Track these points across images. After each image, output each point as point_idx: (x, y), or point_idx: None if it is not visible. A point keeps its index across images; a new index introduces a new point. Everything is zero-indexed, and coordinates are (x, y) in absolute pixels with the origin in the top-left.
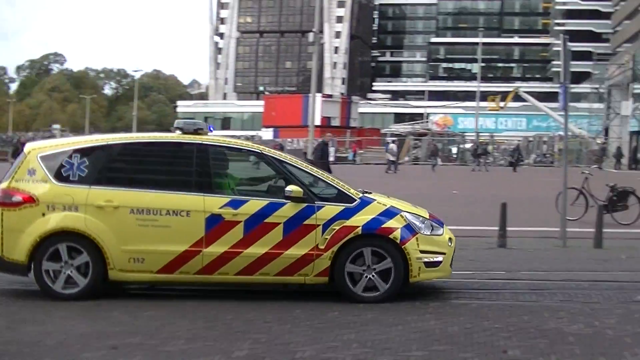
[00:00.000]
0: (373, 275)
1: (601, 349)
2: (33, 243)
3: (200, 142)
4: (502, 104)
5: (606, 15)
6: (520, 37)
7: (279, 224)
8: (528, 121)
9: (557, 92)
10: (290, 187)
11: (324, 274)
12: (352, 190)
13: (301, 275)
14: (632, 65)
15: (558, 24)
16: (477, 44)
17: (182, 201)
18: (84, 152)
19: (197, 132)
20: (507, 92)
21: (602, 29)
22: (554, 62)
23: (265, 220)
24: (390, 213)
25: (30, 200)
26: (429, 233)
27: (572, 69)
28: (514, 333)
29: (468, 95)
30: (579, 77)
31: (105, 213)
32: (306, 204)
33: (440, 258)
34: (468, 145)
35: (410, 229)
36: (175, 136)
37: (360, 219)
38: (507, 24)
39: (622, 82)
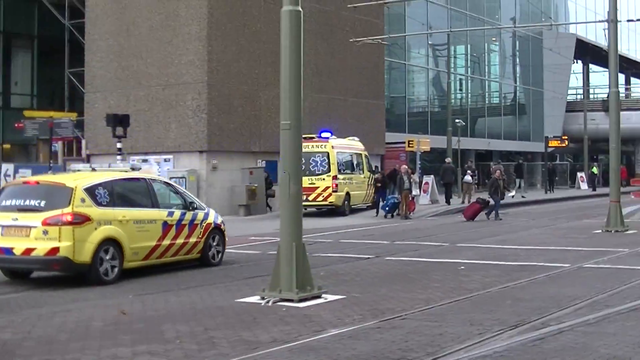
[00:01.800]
0: (218, 250)
1: None
2: (94, 248)
3: (145, 177)
4: None
5: None
6: None
7: (186, 224)
8: None
9: None
10: (196, 204)
11: (201, 252)
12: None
13: (193, 254)
14: None
15: None
16: None
17: (151, 214)
18: (103, 185)
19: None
20: None
21: None
22: None
23: (182, 222)
24: (215, 215)
25: (88, 219)
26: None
27: None
28: None
29: None
30: None
31: (122, 224)
32: (194, 211)
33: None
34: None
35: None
36: (136, 173)
37: (211, 218)
38: None
39: None
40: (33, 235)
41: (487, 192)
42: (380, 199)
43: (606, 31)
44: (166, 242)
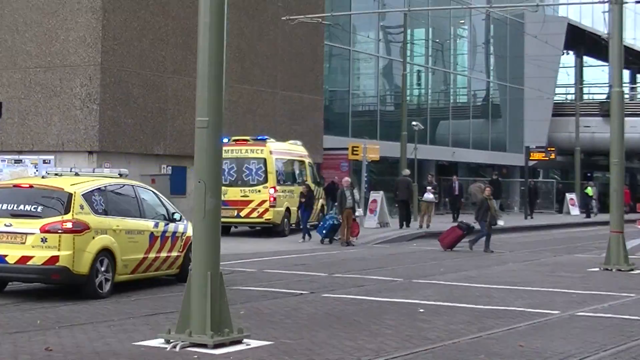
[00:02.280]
0: None
1: None
2: (92, 258)
3: (132, 184)
4: None
5: None
6: None
7: (169, 236)
8: None
9: None
10: (177, 215)
11: (180, 268)
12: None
13: (173, 269)
14: None
15: None
16: None
17: (140, 224)
18: (98, 191)
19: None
20: None
21: None
22: None
23: (166, 234)
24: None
25: (87, 227)
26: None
27: None
28: None
29: None
30: None
31: (116, 234)
32: (176, 223)
33: None
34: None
35: None
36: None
37: (189, 231)
38: None
39: None
40: (30, 243)
41: (475, 214)
42: (308, 219)
43: (607, 15)
44: (152, 254)
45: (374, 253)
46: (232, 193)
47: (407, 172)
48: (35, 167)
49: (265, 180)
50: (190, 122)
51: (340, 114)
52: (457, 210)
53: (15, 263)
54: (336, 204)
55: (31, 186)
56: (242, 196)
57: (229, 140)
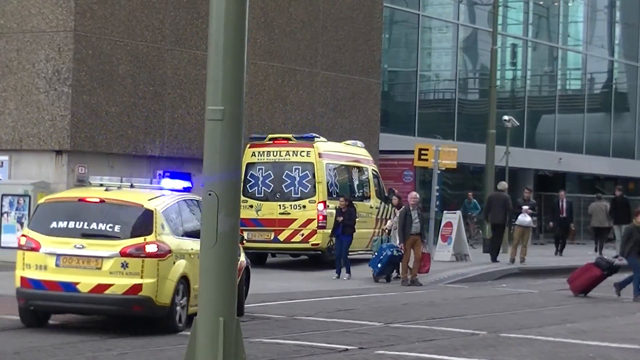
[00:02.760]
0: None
1: None
2: (174, 287)
3: (196, 198)
4: None
5: None
6: None
7: None
8: None
9: None
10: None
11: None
12: None
13: None
14: None
15: None
16: None
17: None
18: (174, 209)
19: None
20: None
21: None
22: None
23: None
24: (244, 253)
25: (169, 251)
26: None
27: None
28: None
29: None
30: None
31: (191, 259)
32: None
33: None
34: None
35: None
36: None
37: (242, 256)
38: None
39: None
40: (107, 269)
41: (620, 248)
42: (349, 247)
43: None
44: None
45: (447, 296)
46: (267, 209)
47: (503, 185)
48: None
49: (313, 192)
50: (198, 113)
51: (403, 104)
52: (563, 239)
53: (89, 292)
54: (388, 227)
55: (102, 201)
56: (280, 214)
57: (264, 138)
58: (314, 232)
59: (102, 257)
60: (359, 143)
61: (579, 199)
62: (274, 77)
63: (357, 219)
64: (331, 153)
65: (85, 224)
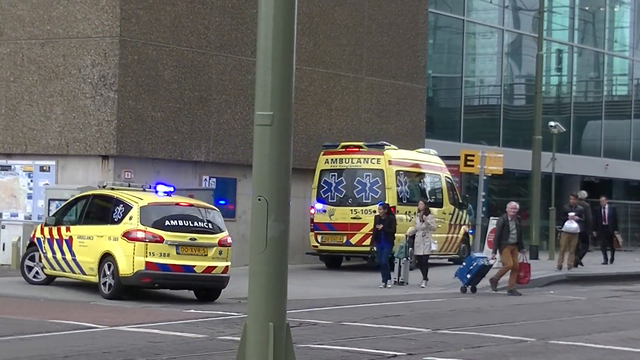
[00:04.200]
0: None
1: None
2: None
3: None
4: None
5: None
6: None
7: None
8: None
9: None
10: None
11: None
12: None
13: None
14: None
15: None
16: None
17: None
18: None
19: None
20: None
21: None
22: None
23: None
24: None
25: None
26: None
27: None
28: None
29: None
30: None
31: None
32: None
33: None
34: None
35: None
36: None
37: None
38: None
39: None
40: (210, 255)
41: None
42: (389, 255)
43: None
44: None
45: (494, 303)
46: (340, 214)
47: (583, 194)
48: (29, 177)
49: (383, 198)
50: (243, 118)
51: (448, 110)
52: (611, 246)
53: (202, 272)
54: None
55: (191, 205)
56: (352, 218)
57: (337, 146)
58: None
59: (207, 247)
60: (432, 150)
61: (626, 206)
62: (319, 83)
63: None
64: (401, 160)
65: (191, 222)
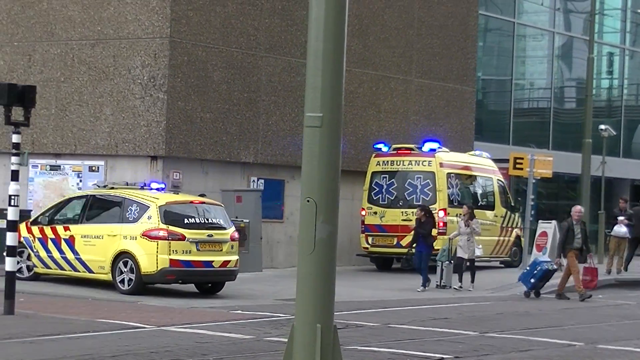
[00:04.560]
0: None
1: None
2: None
3: None
4: None
5: None
6: None
7: None
8: None
9: None
10: None
11: None
12: None
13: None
14: None
15: None
16: None
17: None
18: None
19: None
20: None
21: None
22: None
23: None
24: None
25: None
26: None
27: None
28: None
29: None
30: None
31: None
32: None
33: None
34: None
35: None
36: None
37: None
38: None
39: None
40: (225, 250)
41: None
42: (428, 258)
43: None
44: None
45: (542, 306)
46: (391, 216)
47: None
48: (78, 177)
49: (434, 200)
50: (292, 119)
51: (497, 113)
52: None
53: (219, 267)
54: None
55: (203, 202)
56: (403, 220)
57: (389, 149)
58: (434, 238)
59: (222, 242)
60: (485, 154)
61: None
62: (368, 85)
63: (481, 227)
64: (453, 163)
65: (206, 219)
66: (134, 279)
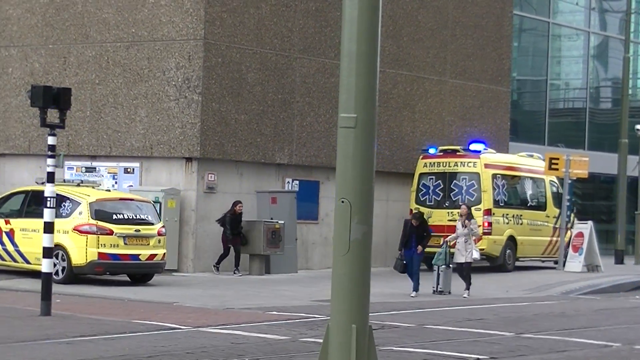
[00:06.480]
0: None
1: None
2: None
3: None
4: None
5: None
6: None
7: None
8: None
9: None
10: None
11: None
12: None
13: None
14: None
15: None
16: None
17: None
18: None
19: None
20: None
21: None
22: None
23: None
24: None
25: None
26: None
27: None
28: None
29: None
30: None
31: None
32: None
33: None
34: None
35: None
36: None
37: None
38: None
39: None
40: (152, 244)
41: None
42: (419, 262)
43: None
44: None
45: (579, 307)
46: (437, 216)
47: None
48: (113, 178)
49: (479, 200)
50: (326, 120)
51: (532, 113)
52: None
53: (146, 260)
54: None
55: (132, 199)
56: (449, 220)
57: (436, 150)
58: (479, 239)
59: (149, 237)
60: (536, 155)
61: None
62: (402, 85)
63: (526, 225)
64: (499, 164)
65: (134, 214)
66: (65, 270)
